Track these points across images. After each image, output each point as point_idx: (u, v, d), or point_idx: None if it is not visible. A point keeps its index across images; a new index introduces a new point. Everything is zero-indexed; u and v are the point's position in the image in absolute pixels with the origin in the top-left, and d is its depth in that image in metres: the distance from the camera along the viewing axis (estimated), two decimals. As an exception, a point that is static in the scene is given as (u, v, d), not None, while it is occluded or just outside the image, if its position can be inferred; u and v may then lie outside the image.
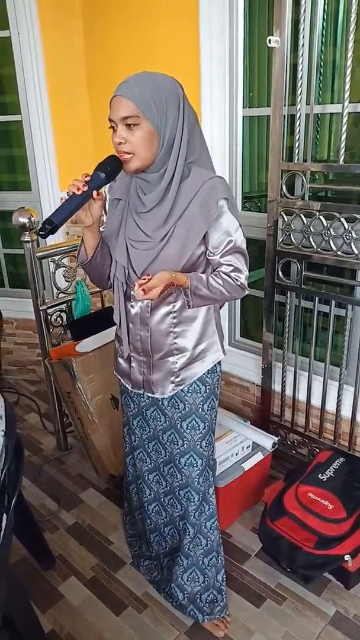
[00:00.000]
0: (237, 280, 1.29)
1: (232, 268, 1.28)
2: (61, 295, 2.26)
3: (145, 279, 1.15)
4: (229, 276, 1.28)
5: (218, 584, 1.60)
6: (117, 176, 1.24)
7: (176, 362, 1.38)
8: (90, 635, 1.59)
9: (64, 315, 2.28)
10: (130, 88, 1.12)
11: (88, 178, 1.17)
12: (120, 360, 1.49)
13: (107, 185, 1.38)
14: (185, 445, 1.47)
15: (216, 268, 1.30)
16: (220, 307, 1.52)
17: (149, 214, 1.25)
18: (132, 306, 1.36)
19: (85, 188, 1.15)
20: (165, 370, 1.39)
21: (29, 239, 2.02)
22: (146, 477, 1.63)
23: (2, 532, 0.98)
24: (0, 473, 0.97)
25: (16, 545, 1.71)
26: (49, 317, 2.21)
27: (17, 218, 1.98)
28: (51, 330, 2.23)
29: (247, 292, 1.33)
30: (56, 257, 2.19)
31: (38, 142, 2.66)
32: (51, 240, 2.74)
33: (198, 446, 1.46)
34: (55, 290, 2.25)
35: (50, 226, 1.12)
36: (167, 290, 1.25)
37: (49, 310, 2.20)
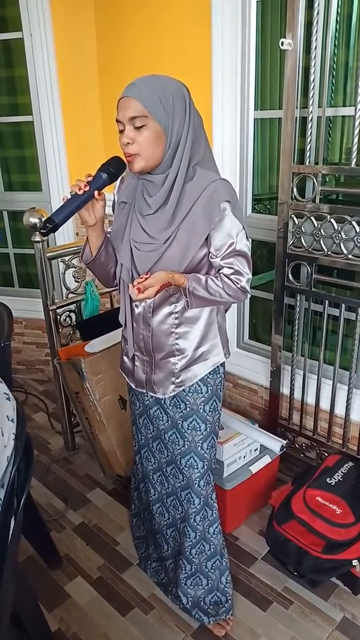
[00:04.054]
0: (237, 283, 1.28)
1: (232, 271, 1.28)
2: (70, 295, 2.27)
3: (142, 277, 1.17)
4: (230, 279, 1.28)
5: (222, 585, 1.60)
6: (120, 177, 1.25)
7: (177, 363, 1.38)
8: (96, 636, 1.59)
9: (73, 315, 2.29)
10: (138, 89, 1.14)
11: (90, 178, 1.19)
12: (125, 359, 1.51)
13: (116, 188, 1.39)
14: (186, 446, 1.47)
15: (218, 270, 1.30)
16: (226, 311, 1.51)
17: (154, 216, 1.25)
18: (136, 306, 1.37)
19: (87, 188, 1.17)
20: (167, 371, 1.39)
21: (40, 239, 2.03)
22: (151, 477, 1.63)
23: (11, 531, 0.99)
24: (10, 475, 0.98)
25: (23, 544, 1.73)
26: (58, 317, 2.22)
27: (27, 218, 1.99)
28: (60, 330, 2.24)
29: (249, 295, 1.33)
30: (66, 258, 2.19)
31: (49, 143, 2.68)
32: (61, 240, 2.76)
33: (199, 448, 1.46)
34: (64, 291, 2.26)
35: (51, 224, 1.14)
36: (166, 290, 1.26)
37: (59, 310, 2.21)
